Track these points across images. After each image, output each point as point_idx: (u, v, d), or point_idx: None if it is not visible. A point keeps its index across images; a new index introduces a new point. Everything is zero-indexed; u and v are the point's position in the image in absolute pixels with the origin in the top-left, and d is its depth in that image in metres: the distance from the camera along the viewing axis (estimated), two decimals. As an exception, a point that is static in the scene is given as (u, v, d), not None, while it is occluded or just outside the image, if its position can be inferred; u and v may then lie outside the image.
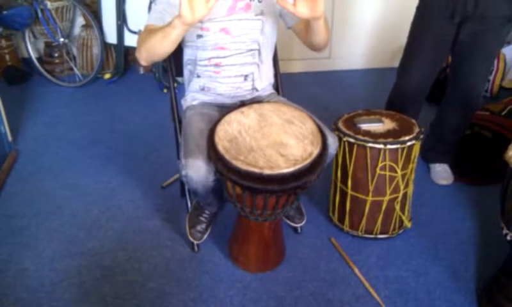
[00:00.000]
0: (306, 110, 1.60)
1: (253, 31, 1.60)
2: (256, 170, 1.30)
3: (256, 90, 1.72)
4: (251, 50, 1.63)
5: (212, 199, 1.66)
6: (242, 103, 1.63)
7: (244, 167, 1.31)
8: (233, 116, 1.51)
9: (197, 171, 1.43)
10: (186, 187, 1.86)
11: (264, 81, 1.74)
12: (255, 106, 1.57)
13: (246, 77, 1.67)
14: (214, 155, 1.38)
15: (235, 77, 1.66)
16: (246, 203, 1.44)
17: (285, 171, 1.31)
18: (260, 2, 1.57)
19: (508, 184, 1.42)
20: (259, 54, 1.66)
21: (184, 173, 1.44)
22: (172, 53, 1.50)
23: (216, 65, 1.63)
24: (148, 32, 1.47)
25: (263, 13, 1.59)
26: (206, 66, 1.64)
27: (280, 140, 1.41)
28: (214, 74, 1.65)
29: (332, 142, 1.56)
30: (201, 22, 1.53)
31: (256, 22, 1.59)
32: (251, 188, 1.33)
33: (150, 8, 3.05)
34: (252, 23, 1.59)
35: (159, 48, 1.42)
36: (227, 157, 1.34)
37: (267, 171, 1.30)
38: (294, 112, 1.55)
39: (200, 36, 1.58)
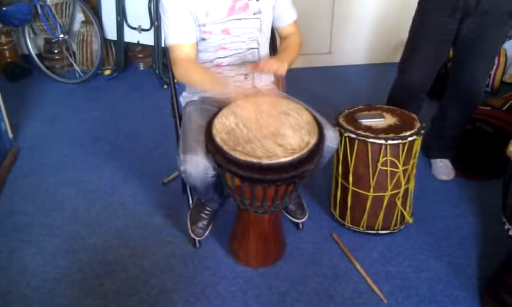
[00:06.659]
0: (306, 105, 1.60)
1: (252, 29, 1.61)
2: (255, 160, 1.31)
3: (256, 88, 1.72)
4: (251, 48, 1.64)
5: (213, 195, 1.67)
6: None
7: (242, 157, 1.32)
8: (230, 110, 1.53)
9: (196, 166, 1.43)
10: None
11: (264, 79, 1.74)
12: (252, 99, 1.58)
13: (246, 75, 1.68)
14: (212, 148, 1.39)
15: (236, 76, 1.66)
16: (246, 194, 1.44)
17: (283, 160, 1.31)
18: (257, 0, 1.57)
19: (509, 179, 1.42)
20: (258, 52, 1.66)
21: (182, 168, 1.45)
22: None
23: (218, 66, 1.64)
24: (187, 64, 1.57)
25: (261, 11, 1.59)
26: (208, 68, 1.65)
27: (277, 131, 1.42)
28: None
29: (334, 136, 1.56)
30: (203, 24, 1.54)
31: (255, 20, 1.60)
32: (250, 179, 1.33)
33: (149, 8, 3.08)
34: (251, 22, 1.59)
35: (196, 87, 1.68)
36: (225, 148, 1.35)
37: (265, 161, 1.31)
38: (290, 104, 1.56)
39: (202, 40, 1.59)
